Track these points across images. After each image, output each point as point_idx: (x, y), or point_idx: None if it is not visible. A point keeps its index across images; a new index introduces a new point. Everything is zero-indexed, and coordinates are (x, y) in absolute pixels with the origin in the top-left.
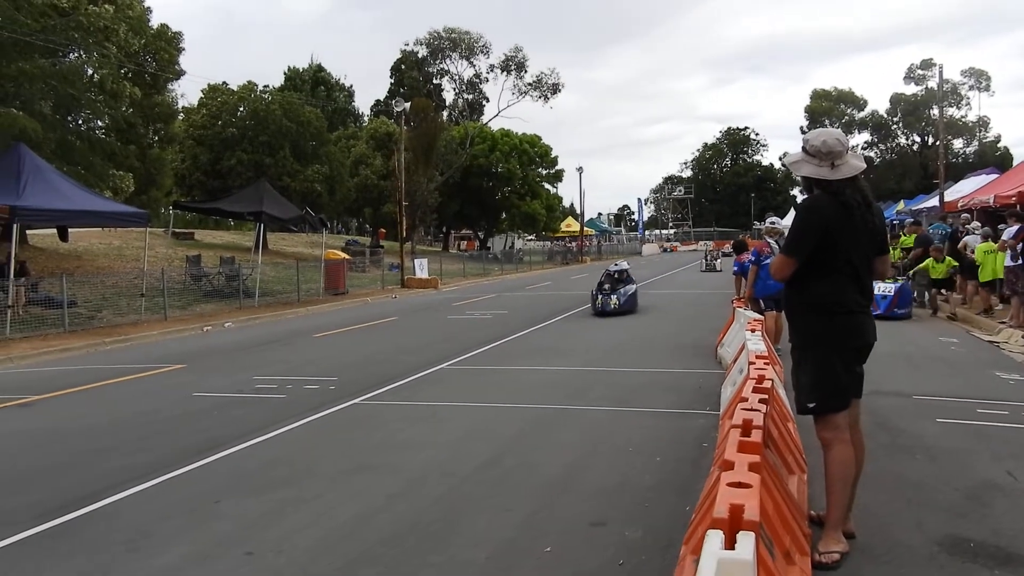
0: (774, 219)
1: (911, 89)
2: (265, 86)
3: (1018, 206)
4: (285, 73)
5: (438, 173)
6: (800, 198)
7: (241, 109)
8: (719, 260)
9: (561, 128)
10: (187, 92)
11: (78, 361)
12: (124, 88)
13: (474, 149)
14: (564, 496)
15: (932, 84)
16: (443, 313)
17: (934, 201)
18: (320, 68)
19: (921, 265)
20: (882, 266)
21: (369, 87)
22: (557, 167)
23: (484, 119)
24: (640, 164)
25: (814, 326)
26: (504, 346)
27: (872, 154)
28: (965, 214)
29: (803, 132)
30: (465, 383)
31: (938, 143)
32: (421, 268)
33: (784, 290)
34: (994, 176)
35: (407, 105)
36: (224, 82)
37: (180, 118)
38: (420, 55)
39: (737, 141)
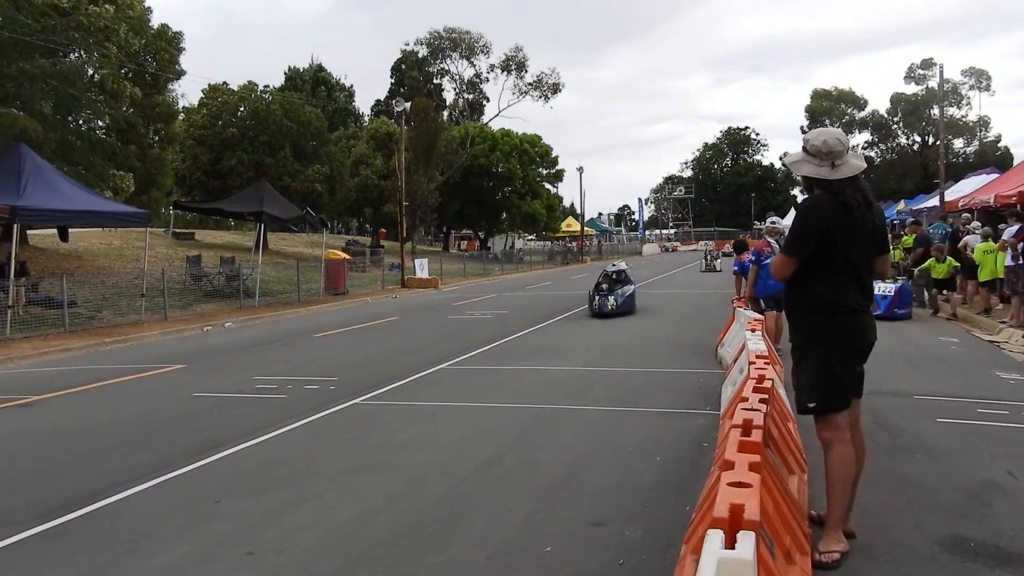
0: (775, 219)
1: (911, 89)
2: (265, 86)
3: (1018, 206)
4: (285, 73)
5: (438, 173)
6: (800, 198)
7: (241, 109)
8: (719, 260)
9: (561, 128)
10: (187, 92)
11: (78, 361)
12: (124, 88)
13: (474, 149)
14: (564, 496)
15: (932, 84)
16: (443, 313)
17: (934, 201)
18: (320, 68)
19: (924, 265)
20: (882, 266)
21: (369, 87)
22: (557, 167)
23: (484, 119)
24: (640, 164)
25: (814, 326)
26: (504, 346)
27: (872, 154)
28: (966, 214)
29: (803, 132)
30: (465, 383)
31: (938, 143)
32: (421, 268)
33: (784, 290)
34: (994, 176)
35: (407, 105)
36: (224, 82)
37: (180, 118)
38: (420, 55)
39: (737, 141)
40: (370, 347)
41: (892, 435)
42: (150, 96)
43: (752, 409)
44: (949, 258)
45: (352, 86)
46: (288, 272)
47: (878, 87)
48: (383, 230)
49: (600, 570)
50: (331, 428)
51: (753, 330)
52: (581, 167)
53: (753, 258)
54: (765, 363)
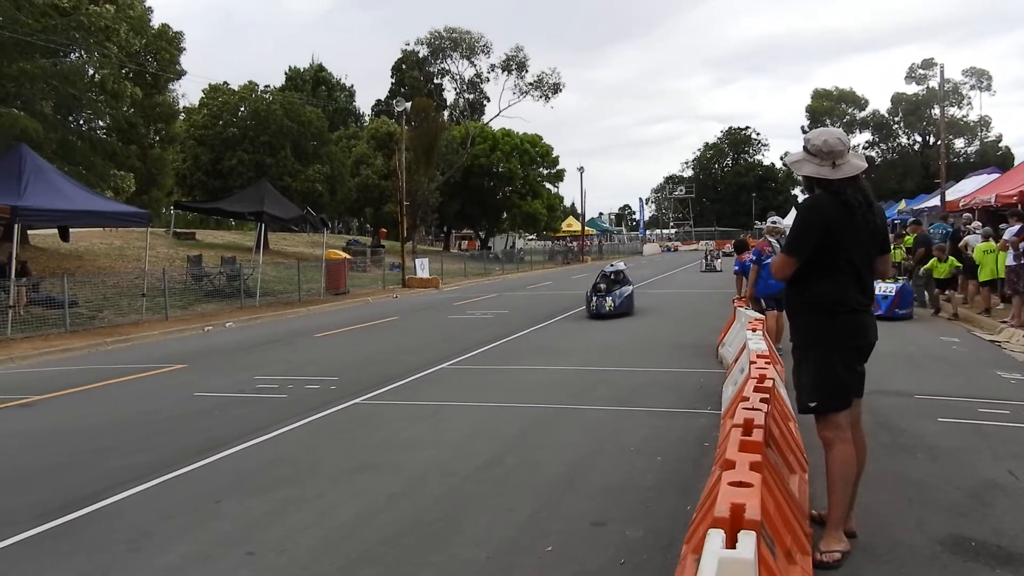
0: (775, 218)
1: (912, 89)
2: (266, 86)
3: (1019, 205)
4: (286, 73)
5: (439, 173)
6: (801, 197)
7: (242, 109)
8: (719, 260)
9: (562, 128)
10: (188, 92)
11: (79, 361)
12: (125, 88)
13: (475, 149)
14: (566, 495)
15: (933, 84)
16: (444, 313)
17: (935, 201)
18: (321, 68)
19: (926, 265)
20: (883, 265)
21: (370, 87)
22: (558, 167)
23: (485, 119)
24: (641, 164)
25: (815, 325)
26: (505, 346)
27: (873, 154)
28: (967, 214)
29: (804, 132)
30: (466, 383)
31: (939, 143)
32: (422, 268)
33: (785, 289)
34: (995, 176)
35: (408, 105)
36: (225, 82)
37: (181, 118)
38: (421, 55)
39: (738, 141)
40: (371, 347)
41: (893, 435)
42: (151, 96)
43: (753, 408)
44: (951, 258)
45: (352, 86)
46: (289, 272)
47: (879, 87)
48: (384, 230)
49: (601, 569)
50: (332, 428)
51: (754, 330)
52: (582, 167)
53: (754, 258)
54: (766, 363)
